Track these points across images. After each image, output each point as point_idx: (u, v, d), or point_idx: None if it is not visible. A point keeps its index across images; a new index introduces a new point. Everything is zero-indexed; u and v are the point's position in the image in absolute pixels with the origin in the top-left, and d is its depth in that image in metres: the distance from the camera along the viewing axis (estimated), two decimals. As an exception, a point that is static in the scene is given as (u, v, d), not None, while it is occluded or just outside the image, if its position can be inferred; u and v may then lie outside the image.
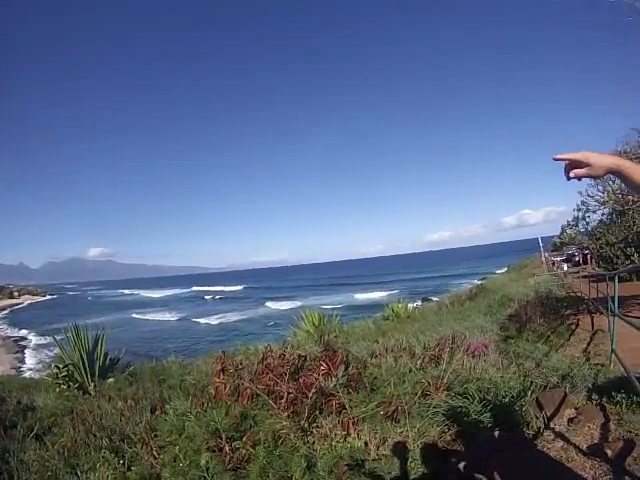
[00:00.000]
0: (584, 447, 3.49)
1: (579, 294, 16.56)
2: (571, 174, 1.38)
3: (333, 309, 17.67)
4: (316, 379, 4.27)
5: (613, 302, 6.43)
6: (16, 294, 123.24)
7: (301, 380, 4.30)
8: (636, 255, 19.46)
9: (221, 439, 3.72)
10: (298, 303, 58.05)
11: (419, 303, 30.58)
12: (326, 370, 4.41)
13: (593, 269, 26.66)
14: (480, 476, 3.22)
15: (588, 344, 8.15)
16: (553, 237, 43.49)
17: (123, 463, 4.10)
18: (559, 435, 3.75)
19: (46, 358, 29.46)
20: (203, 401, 4.56)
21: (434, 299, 35.34)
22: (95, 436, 4.71)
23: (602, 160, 1.34)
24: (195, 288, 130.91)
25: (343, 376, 4.45)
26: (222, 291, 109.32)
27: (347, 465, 3.39)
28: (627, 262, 19.22)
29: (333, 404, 4.15)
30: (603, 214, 15.96)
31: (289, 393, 4.13)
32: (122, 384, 8.19)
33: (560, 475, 3.19)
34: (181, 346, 32.53)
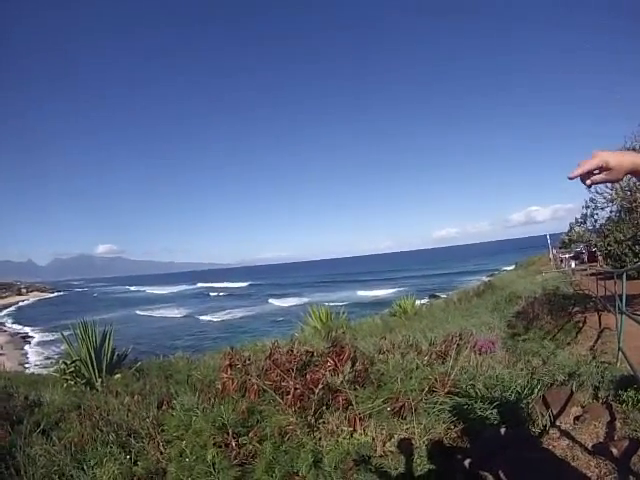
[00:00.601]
0: (589, 446, 3.48)
1: (587, 292, 16.49)
2: (588, 182, 1.26)
3: (340, 306, 17.63)
4: (323, 375, 4.28)
5: (621, 300, 6.40)
6: (24, 291, 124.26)
7: (308, 376, 4.30)
8: (644, 253, 19.35)
9: (228, 434, 3.73)
10: (303, 300, 58.01)
11: (426, 300, 30.53)
12: (333, 366, 4.42)
13: (601, 266, 26.55)
14: (485, 473, 3.22)
15: (595, 342, 8.12)
16: (561, 234, 43.32)
17: (130, 458, 4.13)
18: (565, 433, 3.74)
19: (54, 354, 29.62)
20: (210, 396, 4.57)
21: (442, 296, 35.28)
22: (102, 431, 4.73)
23: (621, 162, 1.21)
24: (200, 284, 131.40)
25: (350, 372, 4.46)
26: (227, 288, 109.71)
27: (353, 461, 3.40)
28: (635, 260, 19.10)
29: (340, 400, 4.15)
30: (611, 211, 15.85)
31: (296, 389, 4.13)
32: (129, 380, 8.23)
33: (565, 474, 3.18)
34: (183, 343, 32.29)
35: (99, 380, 8.72)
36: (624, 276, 6.62)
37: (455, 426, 3.99)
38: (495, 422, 4.01)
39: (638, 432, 3.53)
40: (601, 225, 20.13)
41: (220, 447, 3.66)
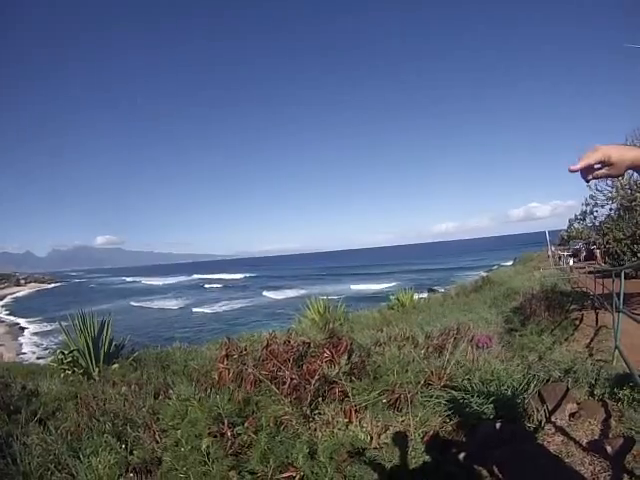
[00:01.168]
0: (584, 442, 3.50)
1: (584, 289, 16.51)
2: (589, 177, 1.22)
3: (337, 299, 17.68)
4: (319, 366, 4.29)
5: (618, 298, 6.41)
6: (23, 282, 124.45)
7: (305, 367, 4.31)
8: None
9: (223, 424, 3.73)
10: (299, 292, 58.03)
11: (425, 294, 30.57)
12: (330, 357, 4.43)
13: (599, 264, 26.57)
14: (479, 467, 3.23)
15: (592, 339, 8.14)
16: (560, 231, 43.33)
17: (125, 447, 4.15)
18: (560, 429, 3.76)
19: (52, 344, 29.66)
20: (206, 386, 4.58)
21: (440, 290, 35.32)
22: (98, 421, 4.77)
23: (623, 156, 1.16)
24: (196, 276, 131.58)
25: (346, 364, 4.46)
26: (222, 279, 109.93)
27: (348, 452, 3.41)
28: (634, 259, 19.13)
29: (336, 391, 4.16)
30: (611, 209, 15.89)
31: (292, 379, 4.14)
32: (126, 370, 8.24)
33: (559, 470, 3.19)
34: (172, 335, 32.15)
35: (96, 370, 8.73)
36: (622, 274, 6.63)
37: (451, 419, 4.01)
38: (491, 416, 4.03)
39: (633, 430, 3.54)
40: (600, 223, 20.19)
41: (215, 437, 3.67)
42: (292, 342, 4.84)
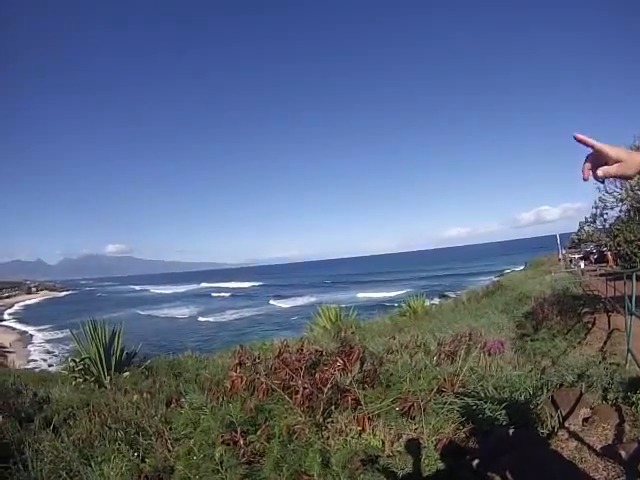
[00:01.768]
0: (598, 448, 3.46)
1: (596, 292, 16.40)
2: (599, 172, 1.14)
3: (348, 307, 17.68)
4: (332, 374, 4.28)
5: (630, 301, 6.37)
6: (34, 289, 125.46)
7: (317, 375, 4.30)
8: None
9: (236, 433, 3.74)
10: (309, 300, 57.81)
11: (436, 300, 30.50)
12: (342, 366, 4.42)
13: (611, 267, 26.39)
14: (493, 474, 3.21)
15: (604, 343, 8.08)
16: (571, 234, 43.13)
17: (137, 455, 4.17)
18: (573, 435, 3.72)
19: (64, 352, 29.80)
20: (219, 395, 4.59)
21: (451, 296, 35.23)
22: (110, 428, 4.78)
23: (632, 156, 1.11)
24: (205, 284, 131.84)
25: (359, 372, 4.46)
26: (230, 288, 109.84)
27: (361, 461, 3.40)
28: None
29: (348, 400, 4.16)
30: (621, 211, 15.79)
31: (304, 388, 4.14)
32: (138, 378, 8.27)
33: (573, 476, 3.17)
34: (178, 344, 31.84)
35: (108, 378, 8.77)
36: (634, 277, 6.58)
37: (464, 426, 3.99)
38: (504, 422, 4.00)
39: (647, 435, 3.51)
40: (610, 225, 20.05)
41: (228, 445, 3.67)
42: (304, 350, 4.84)
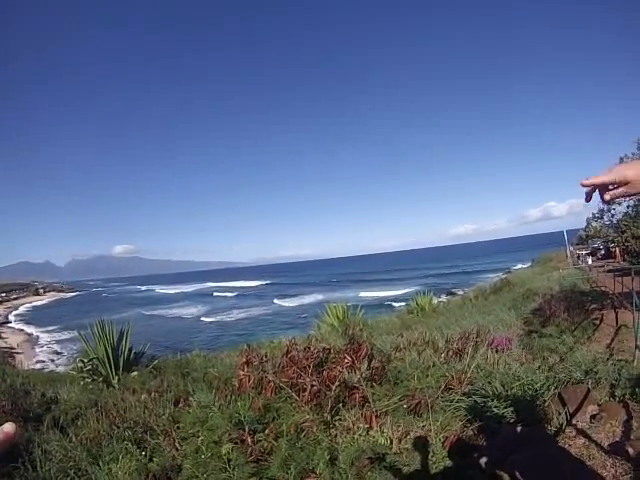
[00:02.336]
0: (606, 445, 3.45)
1: (603, 288, 16.31)
2: (606, 197, 1.17)
3: (355, 305, 17.66)
4: (340, 372, 4.29)
5: (638, 297, 6.34)
6: (41, 291, 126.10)
7: (325, 373, 4.31)
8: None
9: (244, 431, 3.75)
10: (316, 298, 57.67)
11: (444, 297, 30.49)
12: (350, 363, 4.42)
13: (618, 262, 26.25)
14: (501, 472, 3.21)
15: (612, 340, 8.03)
16: (578, 230, 42.91)
17: (145, 454, 4.19)
18: (581, 432, 3.72)
19: (72, 352, 29.91)
20: (226, 393, 4.61)
21: (459, 293, 35.16)
22: (118, 428, 4.81)
23: None
24: (210, 284, 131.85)
25: (367, 369, 4.46)
26: (236, 287, 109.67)
27: (369, 458, 3.40)
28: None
29: (356, 397, 4.16)
30: (628, 206, 15.73)
31: (312, 386, 4.14)
32: (146, 377, 8.31)
33: (581, 473, 3.16)
34: (180, 344, 31.86)
35: (116, 378, 8.82)
36: (642, 273, 6.55)
37: (471, 424, 3.98)
38: (511, 420, 4.00)
39: (655, 432, 3.50)
40: (618, 220, 19.94)
41: (236, 443, 3.68)
42: (312, 348, 4.84)
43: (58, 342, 41.71)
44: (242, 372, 4.60)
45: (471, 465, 3.41)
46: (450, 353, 5.68)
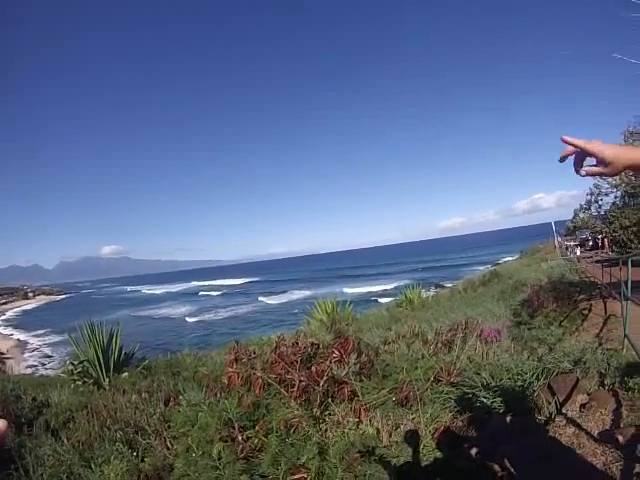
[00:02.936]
0: (595, 433, 3.47)
1: (592, 279, 16.42)
2: (582, 172, 1.22)
3: (344, 300, 17.68)
4: (328, 367, 4.29)
5: (626, 287, 6.38)
6: (31, 294, 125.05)
7: (313, 368, 4.30)
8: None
9: (233, 429, 3.74)
10: (303, 294, 57.67)
11: (432, 290, 30.62)
12: (338, 357, 4.42)
13: (606, 253, 26.46)
14: (491, 462, 3.21)
15: (601, 329, 8.09)
16: (566, 221, 43.16)
17: (137, 455, 4.18)
18: (571, 421, 3.73)
19: (63, 355, 29.74)
20: (216, 391, 4.59)
21: (448, 285, 35.33)
22: (109, 429, 4.80)
23: (618, 156, 1.15)
24: (195, 283, 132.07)
25: (355, 363, 4.45)
26: (222, 285, 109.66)
27: (359, 452, 3.40)
28: (641, 246, 19.05)
29: (345, 391, 4.16)
30: (616, 197, 15.84)
31: (301, 381, 4.13)
32: (136, 378, 8.28)
33: (571, 461, 3.17)
34: (170, 346, 31.78)
35: (107, 379, 8.77)
36: (629, 262, 6.59)
37: (461, 415, 3.99)
38: (501, 410, 4.00)
39: (644, 419, 3.52)
40: (606, 211, 20.11)
41: (226, 441, 3.68)
42: (300, 344, 4.83)
43: (48, 345, 41.47)
44: (231, 369, 4.58)
45: (461, 456, 3.42)
46: (439, 345, 5.70)
